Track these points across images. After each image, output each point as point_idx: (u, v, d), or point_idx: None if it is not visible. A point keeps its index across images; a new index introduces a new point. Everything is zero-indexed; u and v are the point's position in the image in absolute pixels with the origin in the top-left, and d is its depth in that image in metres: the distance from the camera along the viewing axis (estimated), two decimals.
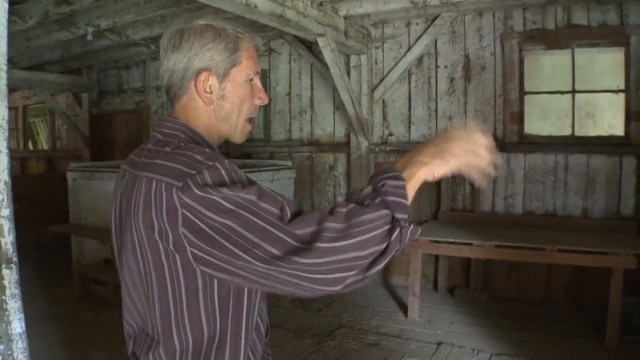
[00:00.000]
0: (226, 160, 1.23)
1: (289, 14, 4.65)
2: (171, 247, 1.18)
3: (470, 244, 4.76)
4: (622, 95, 5.22)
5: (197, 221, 1.14)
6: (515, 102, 5.49)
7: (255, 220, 1.13)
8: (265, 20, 4.60)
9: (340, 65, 5.48)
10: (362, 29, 5.85)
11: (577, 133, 5.38)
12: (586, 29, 5.26)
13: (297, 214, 1.17)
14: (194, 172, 1.16)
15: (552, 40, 5.38)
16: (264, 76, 6.84)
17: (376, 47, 6.12)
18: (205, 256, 1.16)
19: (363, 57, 6.01)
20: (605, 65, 5.37)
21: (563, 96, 5.43)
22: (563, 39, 5.34)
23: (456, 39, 5.75)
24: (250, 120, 1.47)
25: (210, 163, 1.19)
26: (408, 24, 5.95)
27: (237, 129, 1.44)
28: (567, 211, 5.35)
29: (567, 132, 5.42)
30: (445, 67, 5.81)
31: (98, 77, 8.99)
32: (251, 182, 1.22)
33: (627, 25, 5.10)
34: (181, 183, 1.15)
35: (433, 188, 5.88)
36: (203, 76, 1.34)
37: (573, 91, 5.38)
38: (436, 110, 5.88)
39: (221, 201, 1.13)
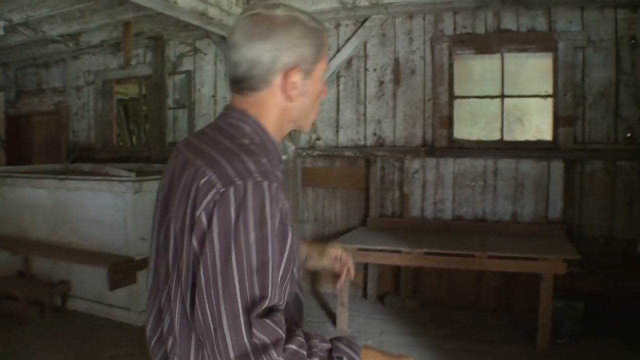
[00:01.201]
0: (275, 184, 1.16)
1: (212, 12, 4.42)
2: (187, 238, 1.16)
3: (399, 252, 4.63)
4: (550, 100, 5.22)
5: (205, 229, 1.12)
6: (444, 107, 5.41)
7: (235, 284, 1.09)
8: (186, 17, 4.36)
9: None
10: None
11: (506, 138, 5.35)
12: (515, 34, 5.25)
13: (269, 310, 1.12)
14: (240, 181, 1.12)
15: (482, 44, 5.34)
16: (189, 77, 6.55)
17: None
18: (196, 262, 1.14)
19: None
20: (534, 70, 5.38)
21: (492, 101, 5.39)
22: (493, 43, 5.30)
23: (386, 41, 5.63)
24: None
25: (259, 178, 1.14)
26: (337, 26, 5.79)
27: (309, 122, 1.42)
28: (496, 216, 5.31)
29: (496, 136, 5.38)
30: (375, 70, 5.68)
31: (15, 76, 8.41)
32: (280, 225, 1.16)
33: (555, 31, 5.13)
34: (223, 190, 1.12)
35: (362, 194, 5.74)
36: (293, 72, 1.28)
37: (502, 96, 5.34)
38: (365, 114, 5.73)
39: (232, 239, 1.10)
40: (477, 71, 5.50)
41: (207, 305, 1.09)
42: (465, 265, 4.52)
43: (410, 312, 5.24)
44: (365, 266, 5.59)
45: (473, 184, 5.36)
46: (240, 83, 1.31)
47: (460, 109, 5.49)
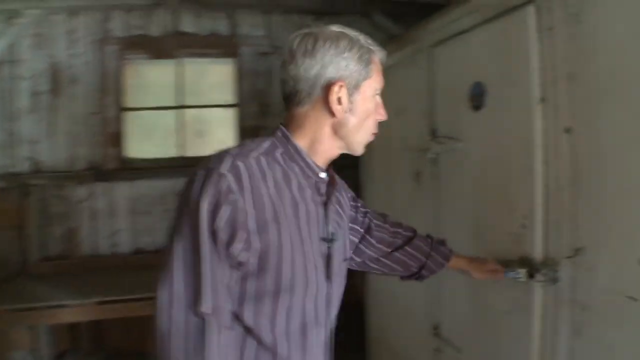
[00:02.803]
0: (225, 175, 1.19)
1: None
2: None
3: (64, 306, 3.67)
4: (232, 110, 4.79)
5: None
6: (114, 121, 4.57)
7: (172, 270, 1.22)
8: None
9: None
10: None
11: (187, 154, 4.75)
12: (195, 38, 4.73)
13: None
14: (201, 170, 1.21)
15: (158, 48, 4.67)
16: None
17: None
18: None
19: None
20: (216, 77, 4.88)
21: (170, 112, 4.74)
22: (170, 47, 4.69)
23: (43, 43, 4.58)
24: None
25: (211, 165, 1.21)
26: None
27: (359, 143, 1.40)
28: None
29: (175, 153, 4.74)
30: (29, 78, 4.57)
31: None
32: (227, 226, 1.18)
33: (237, 35, 4.75)
34: (191, 177, 1.23)
35: (18, 233, 4.58)
36: (337, 86, 1.30)
37: (181, 106, 4.73)
38: (17, 134, 4.55)
39: (179, 222, 1.21)
40: (152, 79, 4.78)
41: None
42: (153, 309, 3.72)
43: None
44: None
45: (151, 209, 4.64)
46: (287, 99, 1.35)
47: (133, 123, 4.71)
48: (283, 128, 1.35)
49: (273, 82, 4.80)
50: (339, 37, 1.30)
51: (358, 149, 1.42)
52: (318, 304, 1.34)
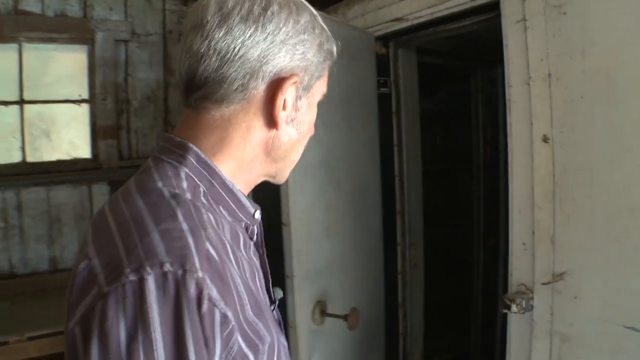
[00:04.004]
0: (200, 275, 0.68)
1: None
2: None
3: None
4: (86, 107, 4.22)
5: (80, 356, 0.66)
6: None
7: None
8: None
9: None
10: None
11: (31, 159, 4.09)
12: (40, 19, 4.05)
13: None
14: (133, 275, 0.66)
15: None
16: None
17: None
18: None
19: None
20: (64, 67, 4.26)
21: (8, 108, 4.03)
22: (8, 29, 4.00)
23: None
24: None
25: (167, 267, 0.66)
26: None
27: (289, 169, 0.99)
28: (29, 267, 4.01)
29: (16, 158, 4.05)
30: None
31: None
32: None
33: (92, 18, 4.17)
34: (107, 289, 0.66)
35: None
36: (289, 82, 0.85)
37: (22, 101, 4.07)
38: None
39: None
40: None
41: None
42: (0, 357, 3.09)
43: None
44: None
45: None
46: (201, 89, 0.84)
47: None
48: (196, 149, 0.86)
49: (134, 73, 4.32)
50: (299, 6, 0.88)
51: (285, 176, 1.02)
52: None
